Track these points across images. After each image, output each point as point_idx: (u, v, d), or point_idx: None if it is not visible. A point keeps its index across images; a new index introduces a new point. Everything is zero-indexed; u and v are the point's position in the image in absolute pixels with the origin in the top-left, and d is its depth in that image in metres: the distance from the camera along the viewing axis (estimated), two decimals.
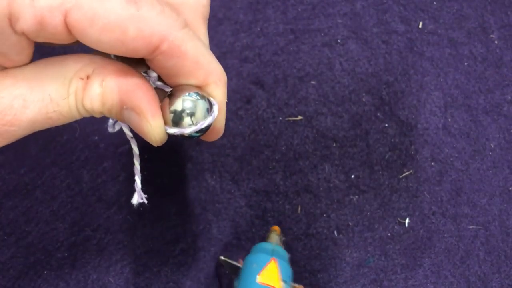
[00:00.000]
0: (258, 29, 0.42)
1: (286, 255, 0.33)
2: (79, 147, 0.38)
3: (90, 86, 0.23)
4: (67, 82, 0.23)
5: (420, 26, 0.43)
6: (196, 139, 0.26)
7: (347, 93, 0.41)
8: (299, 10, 0.43)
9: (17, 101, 0.22)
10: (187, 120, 0.24)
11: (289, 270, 0.32)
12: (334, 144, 0.39)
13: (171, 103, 0.24)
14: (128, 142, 0.38)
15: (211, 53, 0.24)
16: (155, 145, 0.25)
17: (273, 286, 0.30)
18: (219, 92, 0.25)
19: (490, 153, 0.40)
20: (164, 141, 0.25)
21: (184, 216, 0.36)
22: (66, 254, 0.35)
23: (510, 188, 0.39)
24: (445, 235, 0.37)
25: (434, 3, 0.44)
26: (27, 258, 0.35)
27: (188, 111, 0.24)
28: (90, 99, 0.23)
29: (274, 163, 0.38)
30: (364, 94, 0.41)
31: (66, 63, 0.23)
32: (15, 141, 0.24)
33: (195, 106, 0.24)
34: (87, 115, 0.24)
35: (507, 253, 0.37)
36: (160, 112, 0.24)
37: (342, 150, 0.39)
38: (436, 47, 0.43)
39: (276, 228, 0.35)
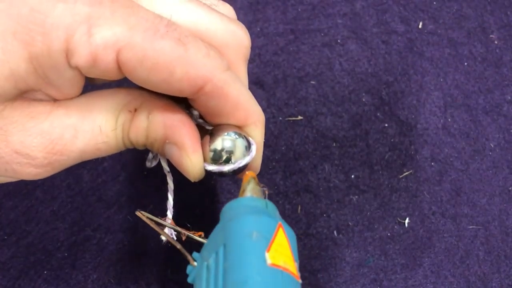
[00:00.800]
0: (258, 29, 0.42)
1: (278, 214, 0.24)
2: None
3: (136, 119, 0.24)
4: (116, 114, 0.24)
5: (420, 26, 0.43)
6: (232, 176, 0.27)
7: (347, 93, 0.41)
8: (299, 10, 0.43)
9: (68, 131, 0.23)
10: (226, 158, 0.25)
11: (295, 240, 0.22)
12: (334, 144, 0.39)
13: (211, 142, 0.25)
14: None
15: (251, 94, 0.25)
16: (193, 181, 0.25)
17: (287, 270, 0.20)
18: (257, 133, 0.26)
19: (490, 153, 0.40)
20: (201, 177, 0.25)
21: (184, 216, 0.36)
22: (66, 254, 0.35)
23: (510, 188, 0.39)
24: (445, 235, 0.37)
25: (434, 3, 0.44)
26: (27, 258, 0.35)
27: (227, 150, 0.25)
28: (136, 132, 0.24)
29: (274, 163, 0.38)
30: (364, 94, 0.41)
31: (116, 96, 0.24)
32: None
33: (234, 145, 0.25)
34: (130, 147, 0.25)
35: (507, 253, 0.37)
36: (201, 149, 0.25)
37: (342, 150, 0.39)
38: (436, 47, 0.43)
39: (253, 174, 0.25)
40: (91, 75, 0.22)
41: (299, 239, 0.37)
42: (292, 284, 0.20)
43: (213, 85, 0.22)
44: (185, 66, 0.21)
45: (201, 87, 0.22)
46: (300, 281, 0.20)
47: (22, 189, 0.36)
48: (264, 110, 0.39)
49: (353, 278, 0.35)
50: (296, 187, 0.38)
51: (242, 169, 0.26)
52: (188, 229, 0.26)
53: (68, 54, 0.20)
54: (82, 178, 0.37)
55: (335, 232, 0.37)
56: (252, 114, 0.25)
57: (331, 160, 0.38)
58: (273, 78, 0.41)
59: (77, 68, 0.21)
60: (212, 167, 0.25)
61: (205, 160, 0.25)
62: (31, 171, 0.23)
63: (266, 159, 0.38)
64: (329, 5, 0.43)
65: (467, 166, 0.39)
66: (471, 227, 0.37)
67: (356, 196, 0.38)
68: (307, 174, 0.38)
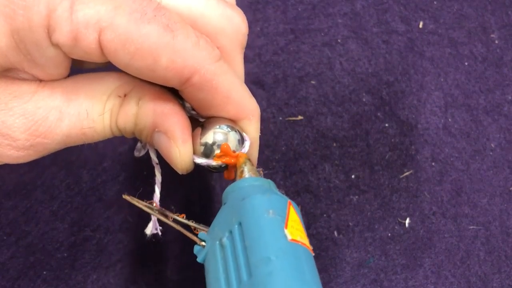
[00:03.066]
0: (258, 29, 0.42)
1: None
2: (78, 147, 0.37)
3: (126, 105, 0.23)
4: (105, 98, 0.23)
5: (420, 26, 0.43)
6: (222, 173, 0.26)
7: (347, 93, 0.41)
8: (299, 10, 0.43)
9: (53, 113, 0.22)
10: (217, 153, 0.24)
11: (301, 217, 0.23)
12: (334, 144, 0.39)
13: (202, 135, 0.24)
14: (127, 142, 0.38)
15: (245, 87, 0.24)
16: (180, 173, 0.24)
17: (305, 244, 0.21)
18: (252, 128, 0.25)
19: (491, 153, 0.39)
20: (189, 170, 0.24)
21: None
22: (65, 254, 0.35)
23: (511, 188, 0.39)
24: (445, 235, 0.37)
25: (435, 2, 0.44)
26: (26, 258, 0.35)
27: (218, 144, 0.24)
28: (125, 118, 0.23)
29: (274, 163, 0.38)
30: (364, 94, 0.41)
31: (106, 80, 0.23)
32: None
33: (226, 139, 0.24)
34: (118, 135, 0.24)
35: (507, 253, 0.37)
36: (191, 140, 0.24)
37: (342, 150, 0.39)
38: (436, 47, 0.43)
39: (246, 156, 0.25)
40: (74, 55, 0.21)
41: None
42: (310, 257, 0.21)
43: (201, 77, 0.21)
44: (171, 55, 0.20)
45: (188, 78, 0.21)
46: (313, 253, 0.22)
47: (21, 189, 0.36)
48: (264, 110, 0.39)
49: (353, 278, 0.35)
50: (296, 187, 0.37)
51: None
52: (172, 211, 0.25)
53: (49, 30, 0.20)
54: (81, 178, 0.37)
55: (335, 232, 0.36)
56: (244, 108, 0.24)
57: (331, 160, 0.38)
58: (273, 78, 0.41)
59: (58, 46, 0.20)
60: (200, 160, 0.24)
61: (195, 153, 0.24)
62: (12, 154, 0.22)
63: (266, 159, 0.38)
64: (329, 5, 0.43)
65: (468, 166, 0.39)
66: (471, 227, 0.37)
67: (357, 196, 0.37)
68: (307, 174, 0.38)
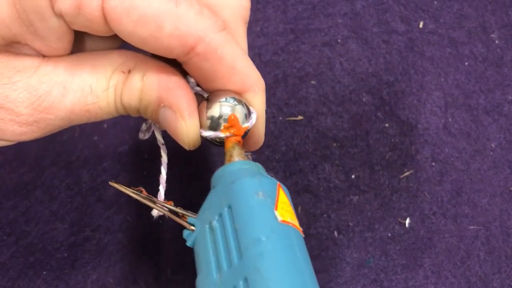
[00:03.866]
0: (258, 28, 0.42)
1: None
2: (78, 147, 0.38)
3: (130, 80, 0.23)
4: (109, 74, 0.23)
5: (420, 26, 0.43)
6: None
7: (347, 93, 0.40)
8: (299, 9, 0.43)
9: (56, 88, 0.22)
10: (224, 126, 0.23)
11: (290, 199, 0.23)
12: (334, 144, 0.39)
13: (208, 108, 0.23)
14: (127, 142, 0.38)
15: (249, 58, 0.24)
16: (187, 148, 0.24)
17: (295, 225, 0.21)
18: (257, 100, 0.24)
19: (491, 153, 0.39)
20: (196, 145, 0.24)
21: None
22: (65, 255, 0.35)
23: (511, 188, 0.39)
24: (445, 235, 0.37)
25: (435, 2, 0.44)
26: (26, 258, 0.35)
27: (225, 117, 0.23)
28: (129, 94, 0.23)
29: (274, 163, 0.38)
30: (364, 94, 0.41)
31: (110, 56, 0.23)
32: (48, 134, 0.23)
33: (232, 112, 0.23)
34: (123, 113, 0.24)
35: (507, 253, 0.37)
36: (197, 113, 0.23)
37: (342, 150, 0.39)
38: (436, 46, 0.43)
39: (235, 140, 0.24)
40: (77, 25, 0.21)
41: None
42: (300, 237, 0.21)
43: (205, 46, 0.21)
44: (174, 21, 0.20)
45: (192, 47, 0.21)
46: (303, 235, 0.21)
47: (21, 189, 0.36)
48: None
49: (353, 278, 0.35)
50: (296, 187, 0.37)
51: (241, 138, 0.24)
52: (157, 198, 0.25)
53: None
54: (81, 178, 0.37)
55: (335, 233, 0.36)
56: (249, 79, 0.23)
57: (332, 160, 0.38)
58: (273, 78, 0.41)
59: (61, 16, 0.20)
60: (208, 133, 0.23)
61: (202, 128, 0.23)
62: (15, 129, 0.22)
63: (266, 159, 0.38)
64: (330, 5, 0.43)
65: (468, 166, 0.39)
66: (472, 227, 0.37)
67: (357, 196, 0.37)
68: (307, 174, 0.38)
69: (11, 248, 0.35)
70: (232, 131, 0.24)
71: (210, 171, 0.38)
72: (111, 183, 0.25)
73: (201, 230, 0.23)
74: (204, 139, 0.24)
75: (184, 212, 0.24)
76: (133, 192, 0.25)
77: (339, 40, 0.42)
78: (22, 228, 0.35)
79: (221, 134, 0.23)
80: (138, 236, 0.36)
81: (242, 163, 0.23)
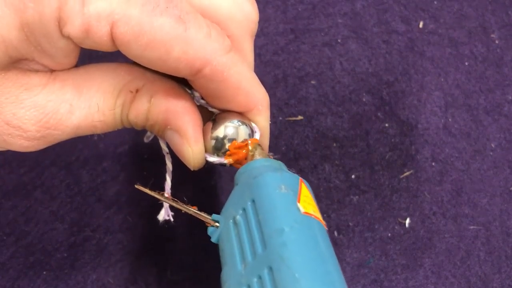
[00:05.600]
0: (258, 28, 0.42)
1: None
2: (78, 147, 0.38)
3: (138, 100, 0.23)
4: (116, 93, 0.23)
5: (420, 26, 0.43)
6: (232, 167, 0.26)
7: (347, 93, 0.40)
8: (299, 9, 0.43)
9: (64, 106, 0.22)
10: (227, 146, 0.24)
11: (313, 194, 0.24)
12: (334, 144, 0.39)
13: (213, 129, 0.24)
14: (127, 142, 0.38)
15: (254, 76, 0.24)
16: (192, 169, 0.25)
17: (318, 218, 0.21)
18: (261, 118, 0.25)
19: (491, 153, 0.39)
20: (201, 167, 0.25)
21: (184, 217, 0.36)
22: (65, 255, 0.35)
23: (511, 188, 0.39)
24: (445, 236, 0.37)
25: (435, 2, 0.44)
26: (26, 259, 0.35)
27: (229, 138, 0.24)
28: (136, 113, 0.23)
29: None
30: (364, 94, 0.41)
31: (117, 73, 0.23)
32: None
33: (236, 133, 0.24)
34: (129, 127, 0.24)
35: (507, 253, 0.37)
36: (202, 139, 0.24)
37: (342, 150, 0.39)
38: (436, 46, 0.43)
39: (257, 141, 0.25)
40: (85, 46, 0.21)
41: None
42: (323, 230, 0.21)
43: (212, 68, 0.22)
44: (183, 46, 0.20)
45: (200, 69, 0.21)
46: (326, 228, 0.22)
47: (21, 189, 0.36)
48: None
49: (353, 278, 0.35)
50: None
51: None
52: (185, 202, 0.26)
53: (60, 22, 0.19)
54: (81, 178, 0.37)
55: (335, 233, 0.36)
56: (254, 98, 0.24)
57: (332, 160, 0.38)
58: (273, 78, 0.41)
59: (69, 38, 0.20)
60: (213, 159, 0.25)
61: (206, 148, 0.24)
62: (22, 143, 0.22)
63: None
64: (330, 5, 0.43)
65: (468, 166, 0.39)
66: (472, 227, 0.37)
67: (357, 196, 0.37)
68: (307, 174, 0.38)
69: (11, 248, 0.35)
70: (235, 157, 0.25)
71: (211, 169, 0.38)
72: (137, 186, 0.26)
73: (225, 226, 0.23)
74: (208, 163, 0.25)
75: (208, 217, 0.24)
76: (159, 194, 0.26)
77: (339, 40, 0.42)
78: (22, 228, 0.35)
79: (224, 161, 0.25)
80: (138, 236, 0.36)
81: (264, 160, 0.24)
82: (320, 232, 0.21)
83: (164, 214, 0.28)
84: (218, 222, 0.24)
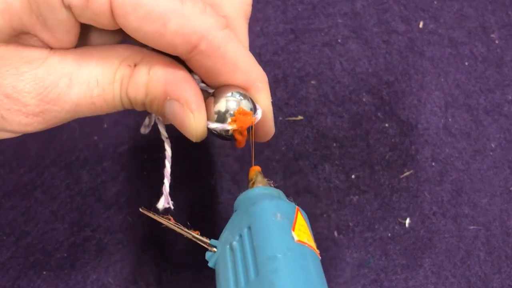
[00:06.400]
0: (258, 28, 0.42)
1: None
2: (78, 146, 0.38)
3: (136, 74, 0.23)
4: (115, 67, 0.23)
5: (420, 26, 0.43)
6: (233, 143, 0.26)
7: (347, 93, 0.40)
8: (299, 9, 0.43)
9: (63, 80, 0.22)
10: (231, 118, 0.24)
11: (309, 223, 0.24)
12: (334, 144, 0.39)
13: (214, 103, 0.24)
14: (127, 142, 0.38)
15: (251, 55, 0.24)
16: (194, 140, 0.24)
17: (311, 247, 0.22)
18: (262, 95, 0.25)
19: (491, 153, 0.39)
20: (203, 137, 0.24)
21: (184, 216, 0.36)
22: (65, 255, 0.35)
23: (511, 188, 0.39)
24: (445, 236, 0.37)
25: (435, 2, 0.44)
26: (26, 259, 0.35)
27: (231, 112, 0.24)
28: (135, 87, 0.23)
29: (274, 163, 0.38)
30: (364, 94, 0.41)
31: (116, 50, 0.23)
32: (53, 126, 0.23)
33: (238, 106, 0.24)
34: (129, 106, 0.24)
35: (507, 253, 0.37)
36: (204, 105, 0.24)
37: (342, 150, 0.39)
38: (436, 46, 0.43)
39: (259, 169, 0.26)
40: (84, 18, 0.21)
41: None
42: (316, 259, 0.22)
43: (208, 43, 0.22)
44: (180, 20, 0.21)
45: (196, 44, 0.22)
46: (320, 257, 0.22)
47: (21, 189, 0.36)
48: None
49: (353, 278, 0.35)
50: (296, 187, 0.37)
51: (247, 132, 0.24)
52: (187, 227, 0.26)
53: None
54: (81, 178, 0.37)
55: (335, 233, 0.36)
56: (252, 75, 0.24)
57: (332, 160, 0.38)
58: (273, 78, 0.41)
59: (70, 9, 0.21)
60: (215, 125, 0.24)
61: (209, 120, 0.24)
62: (21, 120, 0.22)
63: (266, 159, 0.38)
64: (330, 5, 0.43)
65: (468, 166, 0.39)
66: (472, 227, 0.37)
67: (357, 196, 0.37)
68: (307, 174, 0.38)
69: (11, 248, 0.35)
70: (240, 123, 0.24)
71: (211, 168, 0.38)
72: (141, 210, 0.26)
73: (222, 251, 0.23)
74: (210, 132, 0.24)
75: (206, 240, 0.25)
76: (164, 220, 0.26)
77: (339, 40, 0.42)
78: (22, 228, 0.35)
79: (227, 126, 0.24)
80: (138, 236, 0.36)
81: (263, 188, 0.25)
82: (312, 260, 0.21)
83: (164, 202, 0.28)
84: (216, 247, 0.24)
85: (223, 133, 0.24)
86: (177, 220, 0.32)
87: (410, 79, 0.41)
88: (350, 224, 0.37)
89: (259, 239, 0.21)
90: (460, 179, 0.38)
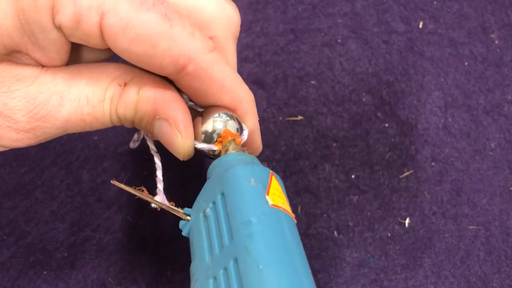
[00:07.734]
0: (258, 29, 0.42)
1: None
2: (78, 147, 0.38)
3: (126, 93, 0.24)
4: (105, 86, 0.24)
5: (420, 26, 0.43)
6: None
7: (347, 93, 0.41)
8: (299, 10, 0.43)
9: (54, 98, 0.23)
10: (217, 139, 0.25)
11: (284, 188, 0.24)
12: (334, 144, 0.39)
13: (202, 123, 0.25)
14: (127, 142, 0.38)
15: (237, 75, 0.25)
16: (181, 159, 0.25)
17: (287, 211, 0.21)
18: (248, 115, 0.26)
19: (491, 153, 0.39)
20: (190, 156, 0.25)
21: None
22: (65, 254, 0.35)
23: (511, 188, 0.39)
24: (445, 235, 0.37)
25: (434, 2, 0.44)
26: (26, 258, 0.35)
27: (218, 132, 0.25)
28: (125, 106, 0.24)
29: (274, 163, 0.38)
30: (364, 94, 0.41)
31: (107, 68, 0.24)
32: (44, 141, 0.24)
33: (225, 127, 0.25)
34: (118, 124, 0.25)
35: (507, 253, 0.37)
36: (192, 126, 0.24)
37: (342, 150, 0.39)
38: (436, 46, 0.43)
39: (232, 137, 0.25)
40: (75, 38, 0.22)
41: None
42: (292, 222, 0.22)
43: (196, 66, 0.22)
44: (168, 42, 0.21)
45: (184, 66, 0.22)
46: (295, 221, 0.22)
47: (21, 189, 0.36)
48: (264, 110, 0.39)
49: (353, 278, 0.35)
50: (296, 187, 0.37)
51: None
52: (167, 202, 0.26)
53: (53, 11, 0.20)
54: (81, 178, 0.37)
55: (335, 232, 0.36)
56: (238, 96, 0.25)
57: (332, 160, 0.38)
58: (273, 78, 0.41)
59: (61, 29, 0.21)
60: (202, 145, 0.25)
61: (196, 140, 0.25)
62: (12, 135, 0.23)
63: (266, 159, 0.38)
64: (329, 5, 0.43)
65: (468, 166, 0.39)
66: (471, 227, 0.37)
67: (357, 196, 0.37)
68: (307, 174, 0.38)
69: (11, 248, 0.35)
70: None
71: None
72: (112, 182, 0.26)
73: (195, 219, 0.23)
74: (197, 152, 0.25)
75: (179, 210, 0.25)
76: (135, 190, 0.26)
77: (339, 40, 0.42)
78: (22, 228, 0.35)
79: (214, 147, 0.25)
80: (138, 236, 0.36)
81: (236, 154, 0.24)
82: (288, 224, 0.21)
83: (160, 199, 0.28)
84: (189, 215, 0.24)
85: (210, 153, 0.25)
86: (177, 222, 0.32)
87: (410, 79, 0.41)
88: (350, 224, 0.37)
89: (233, 205, 0.21)
90: (460, 179, 0.38)
